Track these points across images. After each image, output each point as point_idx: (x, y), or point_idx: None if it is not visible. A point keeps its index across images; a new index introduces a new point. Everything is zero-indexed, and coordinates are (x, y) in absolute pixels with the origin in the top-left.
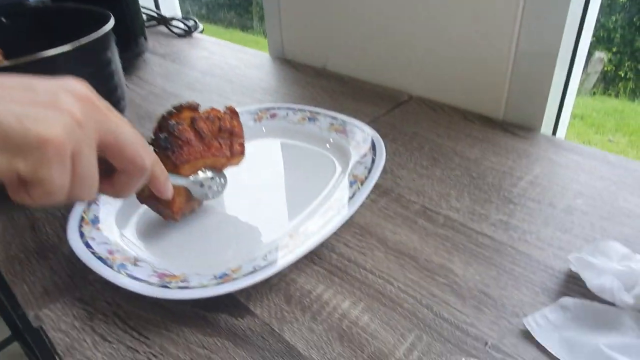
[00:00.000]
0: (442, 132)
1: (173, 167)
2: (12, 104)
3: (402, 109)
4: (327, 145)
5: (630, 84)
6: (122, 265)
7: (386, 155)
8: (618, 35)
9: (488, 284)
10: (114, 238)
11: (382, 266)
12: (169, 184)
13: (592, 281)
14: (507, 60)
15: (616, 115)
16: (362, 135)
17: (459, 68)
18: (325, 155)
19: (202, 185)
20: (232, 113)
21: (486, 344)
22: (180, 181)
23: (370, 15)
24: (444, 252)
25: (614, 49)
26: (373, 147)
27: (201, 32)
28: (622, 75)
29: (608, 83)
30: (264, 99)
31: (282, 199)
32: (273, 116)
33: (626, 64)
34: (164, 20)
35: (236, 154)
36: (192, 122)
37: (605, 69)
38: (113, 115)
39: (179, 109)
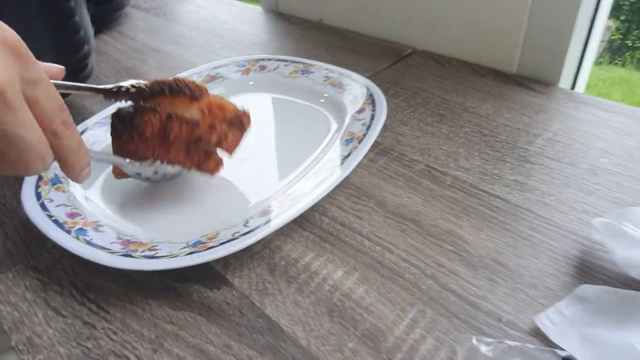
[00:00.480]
0: (449, 87)
1: (116, 148)
2: None
3: (405, 62)
4: (322, 100)
5: (638, 54)
6: (81, 231)
7: (387, 112)
8: (627, 3)
9: (502, 251)
10: (76, 200)
11: (381, 232)
12: (77, 164)
13: (620, 253)
14: (524, 7)
15: (622, 85)
16: (360, 90)
17: (469, 18)
18: (319, 111)
19: (138, 174)
20: (238, 126)
21: (500, 319)
22: (112, 159)
23: None
24: (451, 216)
25: (622, 17)
26: (372, 102)
27: None
28: (630, 44)
29: (615, 52)
30: (253, 54)
31: (270, 159)
32: (262, 68)
33: (634, 33)
34: None
35: (205, 170)
36: (167, 119)
37: (613, 37)
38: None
39: (176, 90)
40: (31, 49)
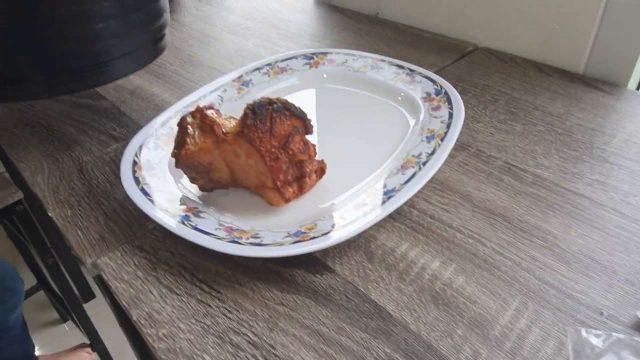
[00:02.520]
0: (516, 84)
1: (241, 128)
2: None
3: (468, 59)
4: (399, 98)
5: None
6: (185, 217)
7: (460, 100)
8: None
9: (593, 248)
10: (170, 186)
11: (470, 225)
12: None
13: None
14: (597, 8)
15: None
16: (432, 87)
17: (537, 16)
18: (394, 107)
19: None
20: (319, 172)
21: (602, 313)
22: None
23: None
24: (538, 212)
25: None
26: (447, 99)
27: None
28: None
29: None
30: (313, 46)
31: (353, 153)
32: (331, 62)
33: None
34: None
35: (279, 194)
36: (293, 129)
37: None
38: None
39: (300, 115)
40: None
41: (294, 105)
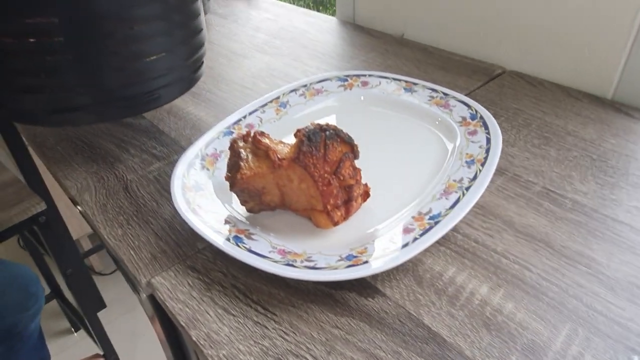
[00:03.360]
0: (547, 109)
1: (296, 153)
2: None
3: (497, 83)
4: (436, 122)
5: None
6: (237, 238)
7: (496, 125)
8: None
9: (638, 275)
10: (218, 207)
11: (514, 250)
12: None
13: None
14: (628, 34)
15: None
16: (467, 111)
17: (566, 40)
18: (430, 130)
19: None
20: (364, 196)
21: None
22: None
23: None
24: (579, 238)
25: None
26: (484, 124)
27: None
28: None
29: None
30: (342, 67)
31: (394, 176)
32: (365, 84)
33: None
34: None
35: (327, 217)
36: (344, 155)
37: None
38: None
39: (348, 140)
40: (167, 45)
41: (343, 132)
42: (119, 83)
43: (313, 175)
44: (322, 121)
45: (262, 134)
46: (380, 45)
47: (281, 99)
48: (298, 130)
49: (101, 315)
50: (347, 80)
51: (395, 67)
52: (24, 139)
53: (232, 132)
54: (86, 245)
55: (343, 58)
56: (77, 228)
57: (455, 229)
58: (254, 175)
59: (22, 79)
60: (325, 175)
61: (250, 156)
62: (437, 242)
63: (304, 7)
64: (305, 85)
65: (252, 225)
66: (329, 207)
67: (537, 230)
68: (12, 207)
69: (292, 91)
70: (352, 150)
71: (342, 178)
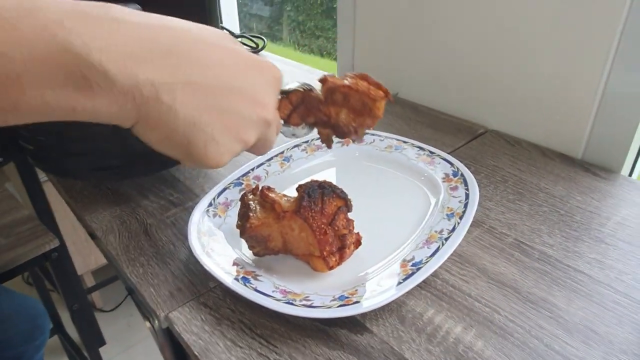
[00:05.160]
0: (523, 167)
1: (297, 208)
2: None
3: (480, 141)
4: (422, 178)
5: None
6: (246, 279)
7: (475, 183)
8: None
9: (592, 320)
10: (229, 251)
11: (486, 295)
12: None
13: None
14: (593, 100)
15: None
16: (449, 168)
17: (540, 105)
18: (417, 185)
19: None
20: (355, 243)
21: None
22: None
23: (449, 44)
24: (544, 286)
25: None
26: (464, 181)
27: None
28: None
29: None
30: None
31: (383, 226)
32: (360, 142)
33: None
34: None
35: (322, 262)
36: (338, 209)
37: None
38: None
39: (343, 196)
40: None
41: (338, 188)
42: (141, 149)
43: (312, 226)
44: (321, 176)
45: (269, 188)
46: None
47: (285, 154)
48: (300, 186)
49: (101, 351)
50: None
51: (389, 124)
52: (50, 182)
53: (242, 183)
54: (89, 281)
55: None
56: (81, 264)
57: (435, 275)
58: (261, 225)
59: (72, 144)
60: (322, 226)
61: (258, 208)
62: (419, 286)
63: (308, 52)
64: (307, 142)
65: (258, 267)
66: (325, 253)
67: (507, 278)
68: (28, 243)
69: (295, 146)
70: (346, 204)
71: (336, 228)
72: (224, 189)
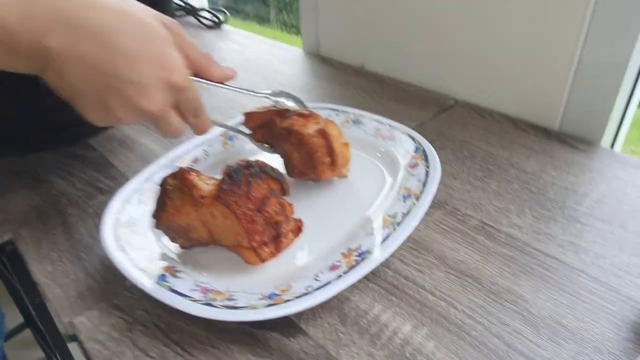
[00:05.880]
0: (493, 140)
1: (218, 193)
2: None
3: (449, 114)
4: (378, 154)
5: None
6: (162, 277)
7: (437, 158)
8: None
9: (562, 313)
10: (151, 243)
11: (443, 287)
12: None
13: None
14: (569, 68)
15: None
16: (410, 144)
17: (513, 73)
18: (373, 163)
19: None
20: (295, 231)
21: None
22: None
23: (415, 12)
24: (509, 274)
25: None
26: (425, 157)
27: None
28: None
29: None
30: (303, 99)
31: (330, 211)
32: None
33: None
34: (193, 11)
35: (256, 254)
36: (269, 192)
37: None
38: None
39: (277, 175)
40: None
41: (271, 168)
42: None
43: (235, 213)
44: (269, 156)
45: (190, 171)
46: (341, 76)
47: (229, 133)
48: (226, 167)
49: (72, 346)
50: None
51: (352, 98)
52: None
53: (175, 166)
54: None
55: (303, 89)
56: None
57: (386, 265)
58: (176, 213)
59: None
60: (249, 212)
61: (176, 193)
62: (367, 278)
63: (295, 34)
64: None
65: (183, 262)
66: (254, 244)
67: (468, 266)
68: None
69: (241, 124)
70: (281, 186)
71: (267, 215)
72: (153, 173)
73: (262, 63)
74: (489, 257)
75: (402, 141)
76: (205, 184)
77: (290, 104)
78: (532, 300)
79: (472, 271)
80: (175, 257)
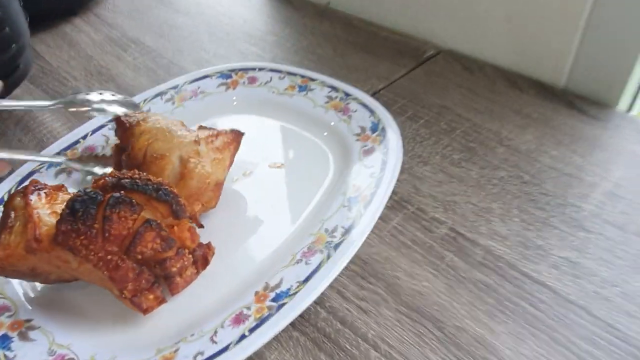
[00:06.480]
0: (481, 105)
1: (57, 236)
2: None
3: (427, 68)
4: (325, 134)
5: None
6: (5, 338)
7: (403, 142)
8: None
9: None
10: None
11: (391, 336)
12: None
13: None
14: (582, 6)
15: None
16: (368, 119)
17: (510, 15)
18: (318, 147)
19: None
20: (201, 262)
21: None
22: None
23: None
24: (482, 313)
25: None
26: (384, 140)
27: None
28: None
29: None
30: (247, 52)
31: (249, 227)
32: (252, 81)
33: None
34: None
35: (138, 303)
36: (144, 225)
37: None
38: None
39: (163, 199)
40: None
41: (154, 186)
42: None
43: (88, 260)
44: None
45: (39, 188)
46: (299, 19)
47: (142, 107)
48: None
49: None
50: (230, 76)
51: (309, 49)
52: None
53: (60, 164)
54: None
55: (251, 39)
56: None
57: (319, 300)
58: (8, 257)
59: None
60: (109, 257)
61: (18, 223)
62: (291, 323)
63: None
64: (175, 87)
65: (44, 307)
66: (126, 293)
67: (428, 301)
68: None
69: (157, 95)
70: (171, 208)
71: (140, 257)
72: (31, 173)
73: (209, 4)
74: (458, 286)
75: (359, 115)
76: (49, 213)
77: (115, 110)
78: (510, 358)
79: (433, 310)
80: (32, 304)
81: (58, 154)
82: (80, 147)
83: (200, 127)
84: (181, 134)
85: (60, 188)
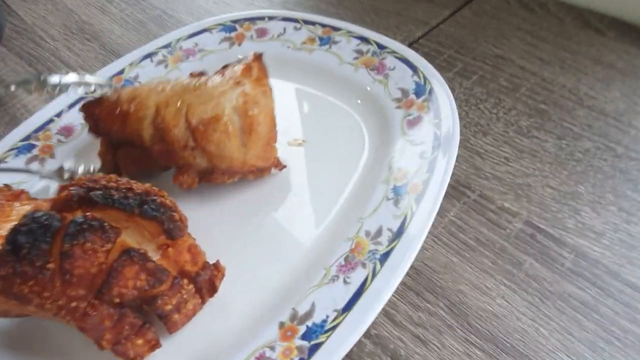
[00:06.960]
0: (548, 54)
1: None
2: None
3: (476, 7)
4: (358, 101)
5: None
6: None
7: (455, 107)
8: None
9: None
10: None
11: None
12: None
13: None
14: None
15: None
16: (412, 78)
17: None
18: (350, 119)
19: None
20: (207, 289)
21: None
22: None
23: None
24: (581, 344)
25: None
26: (432, 106)
27: None
28: None
29: None
30: (250, 1)
31: (256, 231)
32: (262, 34)
33: None
34: None
35: (123, 353)
36: (122, 256)
37: None
38: None
39: (150, 216)
40: None
41: (135, 198)
42: None
43: (43, 309)
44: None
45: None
46: None
47: (127, 74)
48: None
49: None
50: (234, 29)
51: None
52: None
53: (34, 146)
54: None
55: None
56: None
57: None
58: None
59: None
60: (74, 303)
61: None
62: None
63: None
64: (168, 46)
65: (7, 345)
66: (104, 344)
67: (507, 327)
68: None
69: (146, 57)
70: (162, 228)
71: (118, 300)
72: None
73: None
74: (544, 305)
75: (398, 73)
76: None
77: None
78: None
79: (514, 340)
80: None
81: (29, 136)
82: (54, 128)
83: (192, 75)
84: (206, 83)
85: (18, 195)
